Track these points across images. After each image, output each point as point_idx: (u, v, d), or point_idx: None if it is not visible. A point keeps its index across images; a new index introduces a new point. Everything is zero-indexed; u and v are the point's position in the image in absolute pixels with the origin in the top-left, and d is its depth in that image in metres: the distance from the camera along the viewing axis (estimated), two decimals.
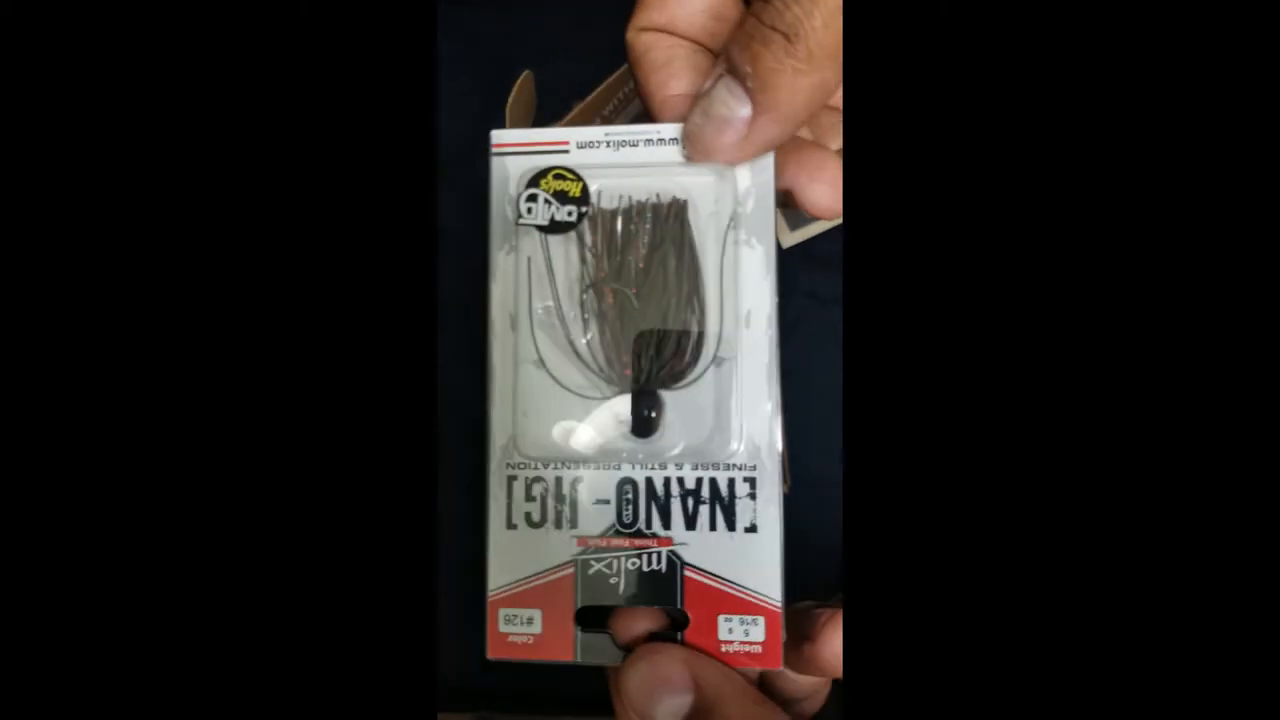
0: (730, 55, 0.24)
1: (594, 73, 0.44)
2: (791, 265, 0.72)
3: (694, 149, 0.26)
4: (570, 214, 0.27)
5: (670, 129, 0.27)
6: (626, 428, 0.27)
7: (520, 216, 0.27)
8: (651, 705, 0.25)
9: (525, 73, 0.40)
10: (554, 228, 0.27)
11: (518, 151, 0.28)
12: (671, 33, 0.28)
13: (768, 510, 0.26)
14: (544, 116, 0.46)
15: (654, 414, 0.27)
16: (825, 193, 0.27)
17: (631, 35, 0.28)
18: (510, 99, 0.38)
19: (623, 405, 0.27)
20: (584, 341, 0.27)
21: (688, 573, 0.26)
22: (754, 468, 0.26)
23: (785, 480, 0.36)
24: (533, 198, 0.27)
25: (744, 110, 0.24)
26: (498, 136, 0.28)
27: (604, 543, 0.26)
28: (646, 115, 0.50)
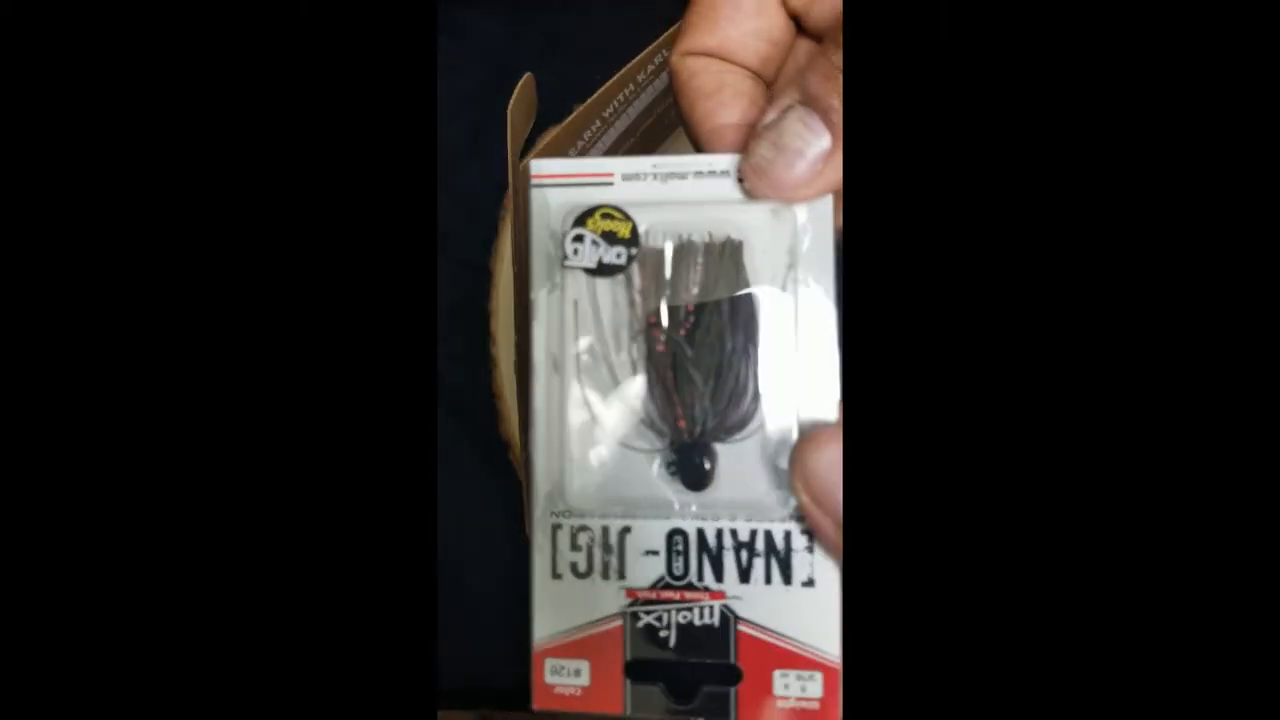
0: (809, 86, 0.23)
1: (594, 74, 0.44)
2: None
3: (760, 183, 0.24)
4: (619, 256, 0.26)
5: (723, 161, 0.26)
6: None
7: (566, 258, 0.26)
8: (839, 491, 0.23)
9: (526, 75, 0.40)
10: (602, 270, 0.26)
11: (559, 184, 0.27)
12: (721, 58, 0.26)
13: (826, 563, 0.25)
14: (544, 119, 0.46)
15: (708, 466, 0.26)
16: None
17: (676, 60, 0.27)
18: (511, 101, 0.38)
19: (636, 390, 0.26)
20: (633, 390, 0.26)
21: (741, 627, 0.25)
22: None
23: None
24: (579, 238, 0.26)
25: (822, 144, 0.23)
26: (537, 167, 0.27)
27: (654, 595, 0.26)
28: (646, 116, 0.50)
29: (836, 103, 0.23)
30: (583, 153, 0.45)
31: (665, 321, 0.26)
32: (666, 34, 0.43)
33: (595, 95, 0.43)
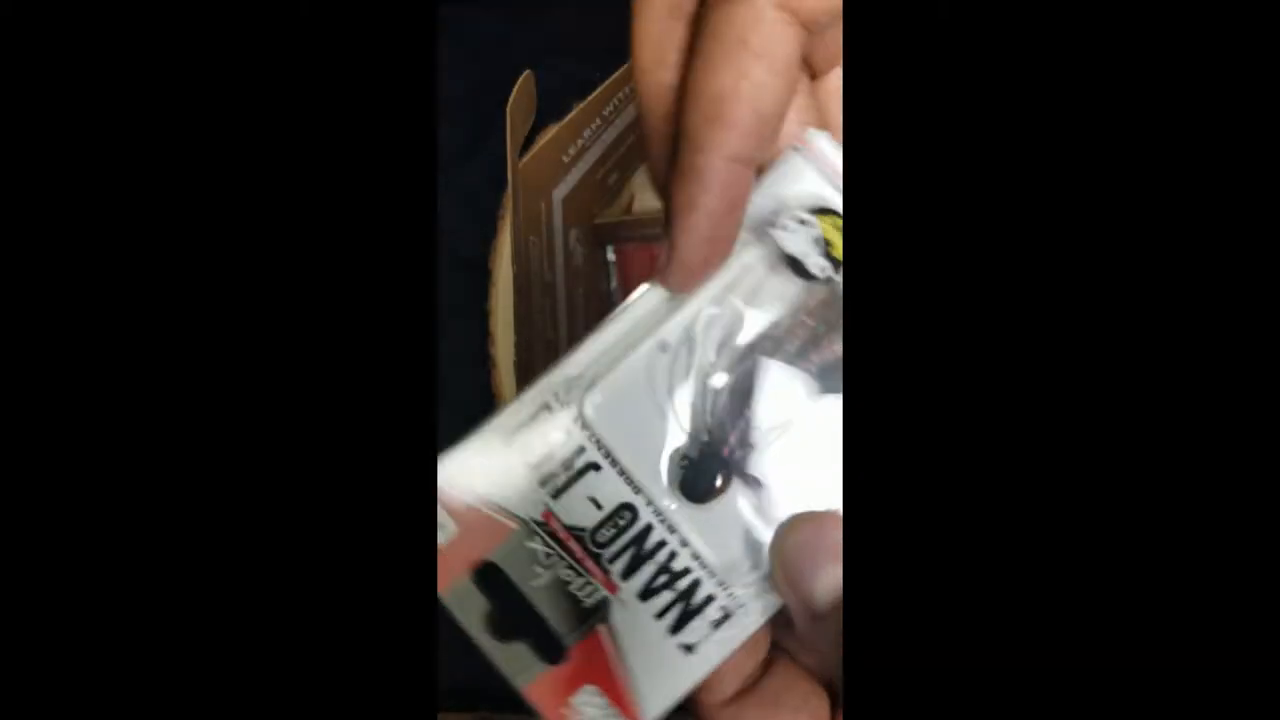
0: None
1: (594, 73, 0.44)
2: None
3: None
4: (821, 270, 0.23)
5: None
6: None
7: (774, 225, 0.23)
8: (811, 574, 0.22)
9: (525, 73, 0.40)
10: (793, 266, 0.24)
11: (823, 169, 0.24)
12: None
13: (715, 648, 0.23)
14: (543, 117, 0.46)
15: (718, 484, 0.24)
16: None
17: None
18: (511, 100, 0.38)
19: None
20: (711, 390, 0.24)
21: (600, 629, 0.23)
22: (741, 606, 0.23)
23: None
24: (805, 223, 0.23)
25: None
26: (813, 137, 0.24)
27: (564, 534, 0.24)
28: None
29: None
30: (582, 151, 0.45)
31: (793, 356, 0.24)
32: None
33: (595, 93, 0.43)
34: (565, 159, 0.44)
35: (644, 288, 0.24)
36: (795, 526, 0.23)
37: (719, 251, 0.23)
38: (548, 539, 0.23)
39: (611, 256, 0.51)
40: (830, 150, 0.24)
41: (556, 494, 0.24)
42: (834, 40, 0.24)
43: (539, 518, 0.23)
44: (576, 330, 0.47)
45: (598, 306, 0.50)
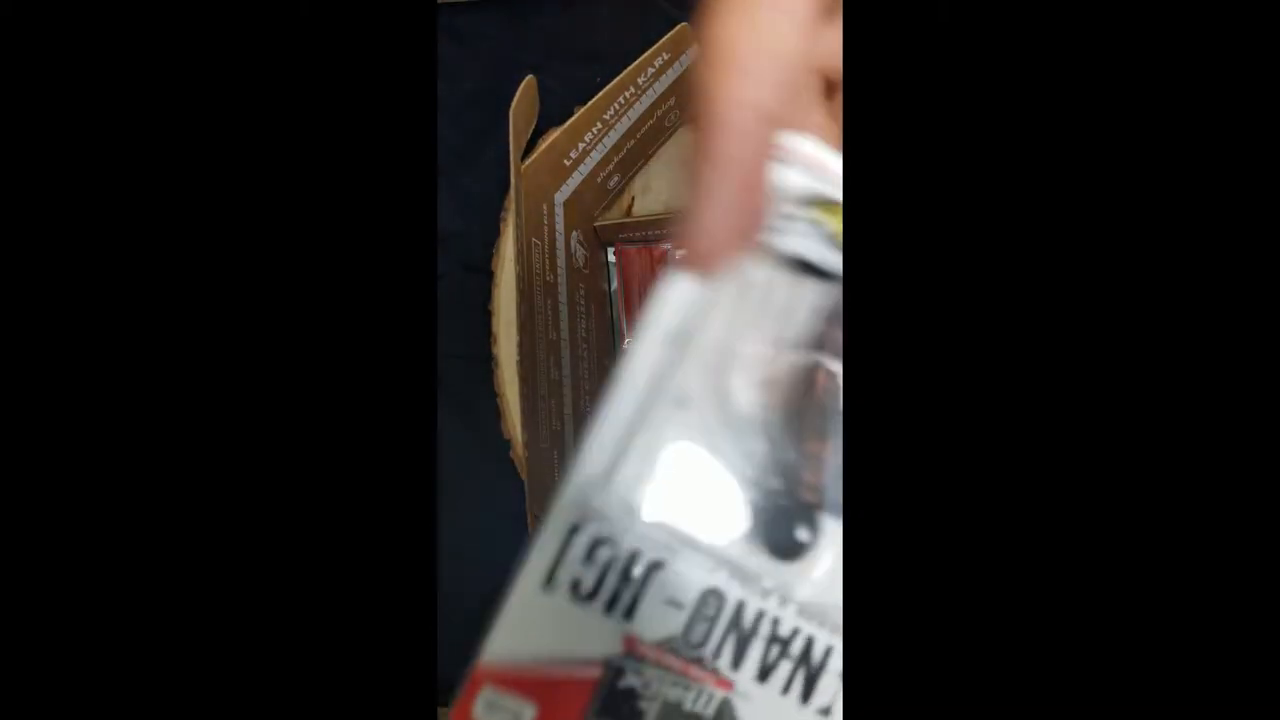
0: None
1: (596, 77, 0.44)
2: None
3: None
4: (826, 262, 0.21)
5: None
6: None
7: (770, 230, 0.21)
8: None
9: (528, 77, 0.40)
10: (797, 266, 0.21)
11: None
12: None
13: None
14: (545, 120, 0.46)
15: (805, 539, 0.21)
16: None
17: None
18: (514, 103, 0.38)
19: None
20: (771, 416, 0.21)
21: None
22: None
23: None
24: (791, 217, 0.21)
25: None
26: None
27: (654, 654, 0.21)
28: (647, 118, 0.50)
29: None
30: (583, 155, 0.45)
31: (835, 360, 0.21)
32: (668, 36, 0.43)
33: (596, 97, 0.43)
34: (567, 163, 0.44)
35: (631, 347, 0.21)
36: None
37: (744, 223, 0.20)
38: (639, 668, 0.21)
39: (612, 258, 0.52)
40: (808, 147, 0.21)
41: (629, 613, 0.21)
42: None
43: (620, 650, 0.21)
44: (578, 330, 0.47)
45: (598, 307, 0.50)
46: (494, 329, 0.51)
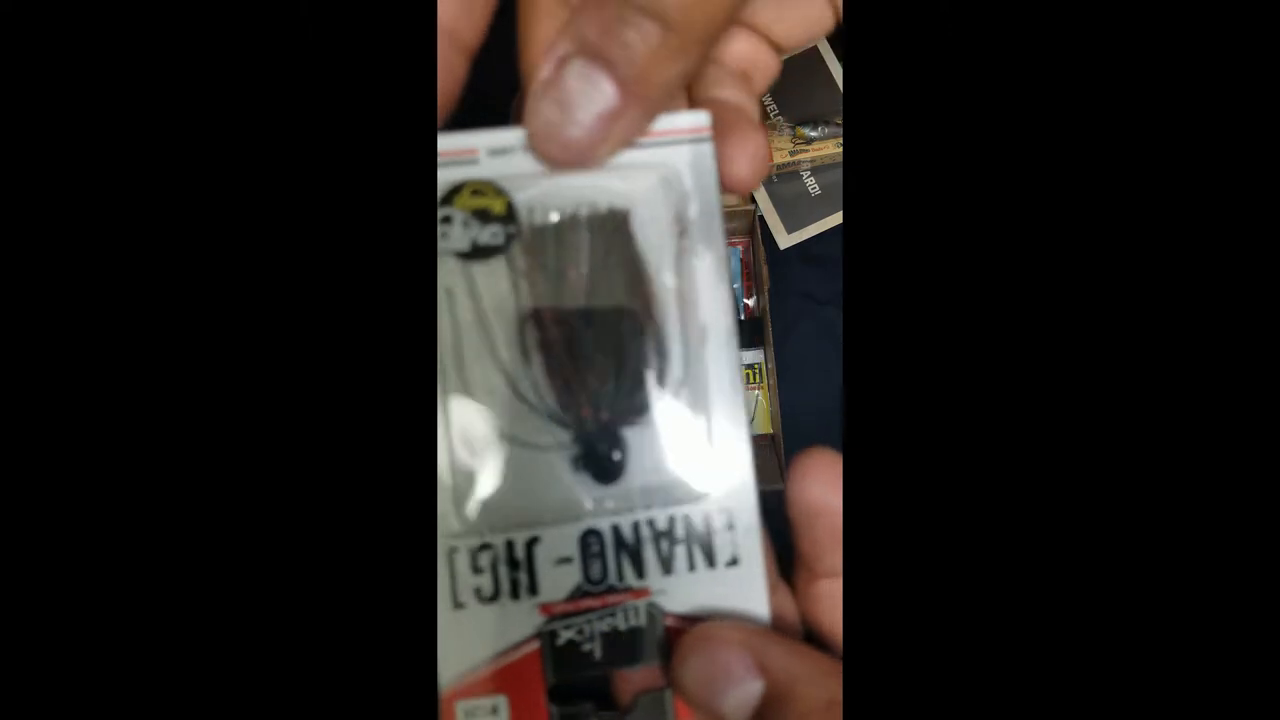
0: (586, 37, 0.20)
1: None
2: (788, 266, 0.73)
3: (548, 148, 0.22)
4: (495, 235, 0.23)
5: None
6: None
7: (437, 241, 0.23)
8: (716, 700, 0.21)
9: None
10: (478, 253, 0.23)
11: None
12: None
13: (748, 540, 0.23)
14: None
15: (619, 455, 0.24)
16: (745, 166, 0.24)
17: None
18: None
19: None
20: (527, 381, 0.24)
21: (670, 622, 0.23)
22: (729, 498, 0.23)
23: (781, 479, 0.34)
24: (448, 219, 0.23)
25: (606, 101, 0.21)
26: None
27: (571, 606, 0.23)
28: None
29: (619, 51, 0.20)
30: None
31: (557, 302, 0.24)
32: None
33: None
34: None
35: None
36: (687, 657, 0.22)
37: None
38: (565, 622, 0.23)
39: None
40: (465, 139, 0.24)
41: (533, 588, 0.23)
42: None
43: (541, 617, 0.23)
44: None
45: None
46: None
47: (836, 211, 0.70)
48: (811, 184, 0.72)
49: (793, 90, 0.71)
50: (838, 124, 0.69)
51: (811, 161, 0.70)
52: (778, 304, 0.71)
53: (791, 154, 0.70)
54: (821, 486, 0.22)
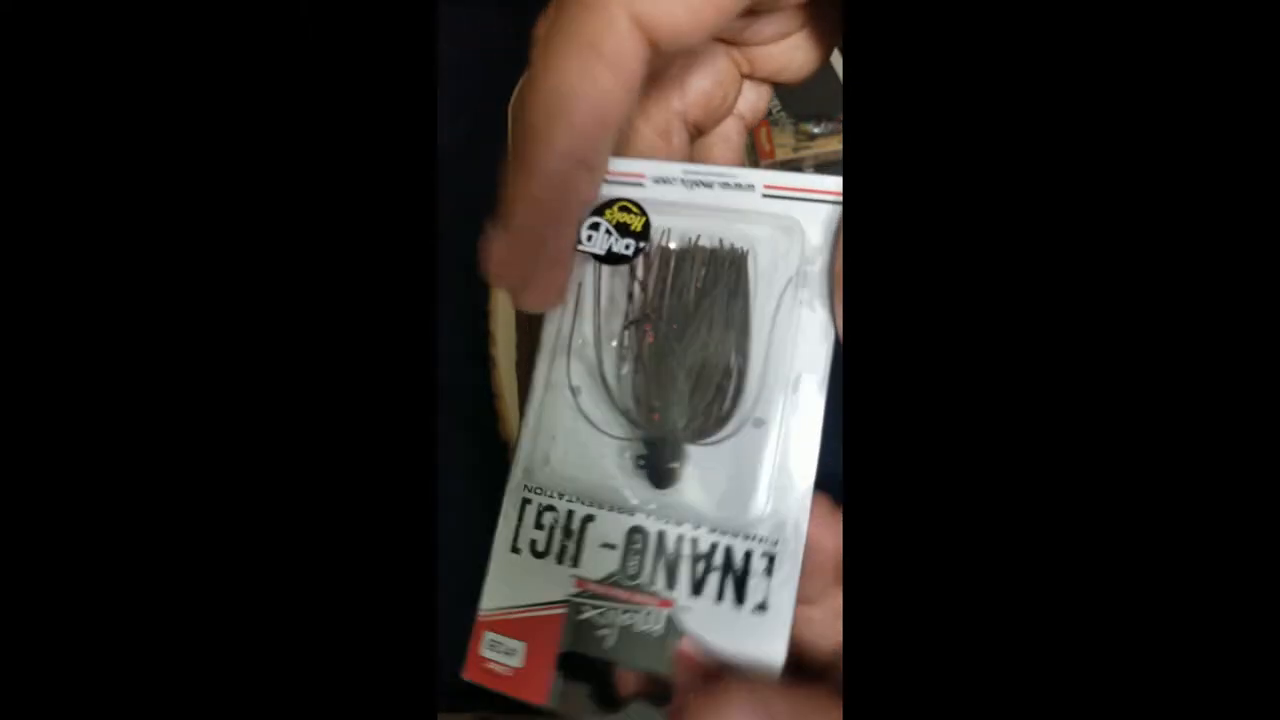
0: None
1: None
2: None
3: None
4: (628, 247, 0.26)
5: (750, 175, 0.26)
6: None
7: (579, 243, 0.26)
8: None
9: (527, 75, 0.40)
10: (609, 259, 0.26)
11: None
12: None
13: (782, 592, 0.24)
14: None
15: (676, 465, 0.25)
16: None
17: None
18: (513, 101, 0.38)
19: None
20: (616, 378, 0.27)
21: (684, 644, 0.24)
22: (775, 543, 0.24)
23: None
24: (595, 226, 0.26)
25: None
26: None
27: (603, 590, 0.25)
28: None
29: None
30: None
31: (660, 315, 0.27)
32: None
33: None
34: None
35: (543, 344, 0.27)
36: (714, 707, 0.22)
37: (544, 256, 0.24)
38: (593, 602, 0.25)
39: None
40: (626, 165, 0.27)
41: (575, 561, 0.25)
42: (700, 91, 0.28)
43: (575, 590, 0.25)
44: None
45: None
46: (492, 329, 0.51)
47: None
48: None
49: (796, 86, 0.71)
50: (841, 121, 0.68)
51: (815, 158, 0.70)
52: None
53: (795, 150, 0.69)
54: (814, 524, 0.24)
